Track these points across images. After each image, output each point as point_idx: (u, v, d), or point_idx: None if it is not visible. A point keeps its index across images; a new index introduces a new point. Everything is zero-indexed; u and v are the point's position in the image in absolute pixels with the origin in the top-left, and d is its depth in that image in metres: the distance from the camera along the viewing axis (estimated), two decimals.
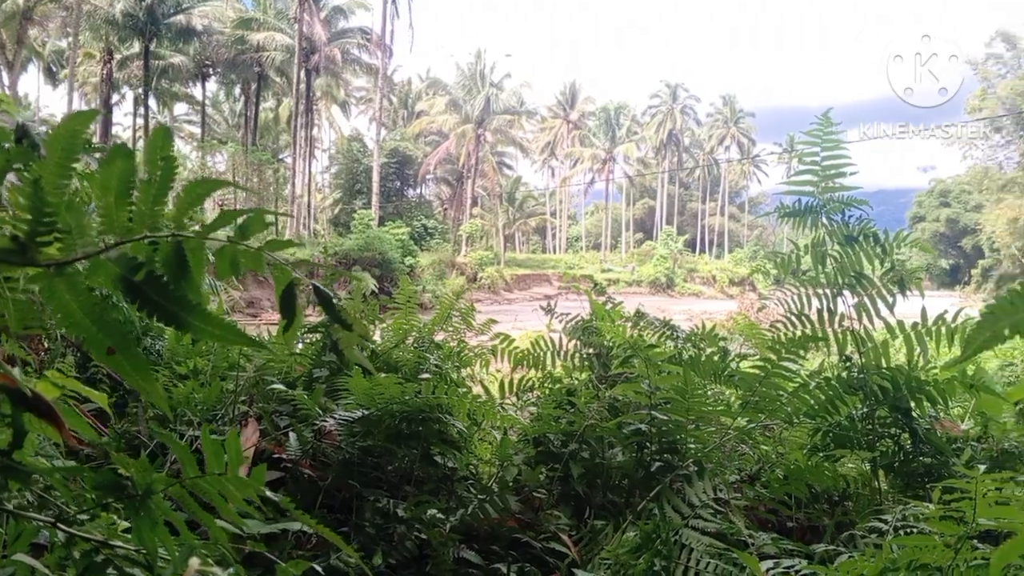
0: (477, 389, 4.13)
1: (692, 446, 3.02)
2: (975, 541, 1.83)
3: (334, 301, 0.91)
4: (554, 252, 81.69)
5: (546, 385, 3.85)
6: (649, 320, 5.08)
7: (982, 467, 1.76)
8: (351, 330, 0.93)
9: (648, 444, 3.04)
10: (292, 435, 3.03)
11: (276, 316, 1.00)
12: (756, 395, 3.03)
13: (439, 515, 2.76)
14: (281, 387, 3.03)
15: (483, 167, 61.62)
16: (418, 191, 61.97)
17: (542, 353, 4.05)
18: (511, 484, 3.10)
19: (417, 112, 63.36)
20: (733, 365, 4.58)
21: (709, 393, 4.53)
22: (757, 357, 5.08)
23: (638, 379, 3.03)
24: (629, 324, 5.09)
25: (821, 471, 2.85)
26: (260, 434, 2.98)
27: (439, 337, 4.23)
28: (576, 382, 3.51)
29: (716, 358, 4.56)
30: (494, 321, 4.32)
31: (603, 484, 3.08)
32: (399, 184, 55.45)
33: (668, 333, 4.96)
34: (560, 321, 4.50)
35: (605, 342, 3.72)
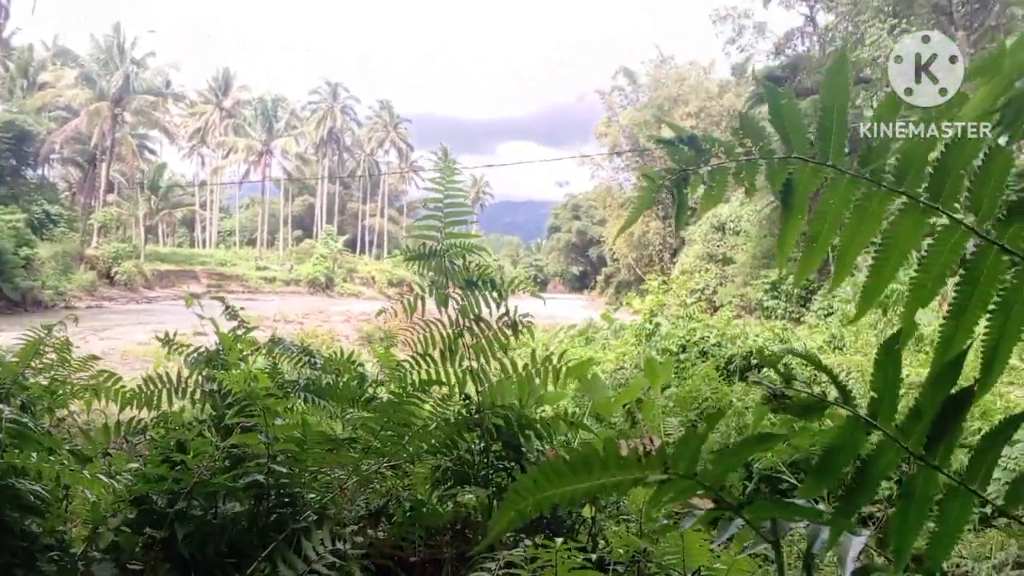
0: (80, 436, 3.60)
1: (312, 495, 2.91)
2: None
3: None
4: (204, 246, 76.70)
5: (158, 428, 3.47)
6: (285, 346, 4.88)
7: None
8: None
9: (266, 496, 2.87)
10: None
11: None
12: (378, 440, 3.01)
13: None
14: None
15: (121, 150, 55.78)
16: (40, 172, 54.13)
17: (155, 391, 3.66)
18: (105, 551, 2.73)
19: (40, 83, 55.26)
20: (370, 391, 4.59)
21: (347, 419, 4.47)
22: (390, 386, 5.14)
23: (256, 428, 2.85)
24: (264, 351, 4.85)
25: (437, 513, 2.92)
26: None
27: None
28: (190, 429, 3.20)
29: (354, 384, 4.53)
30: (95, 358, 3.81)
31: (215, 544, 2.84)
32: (15, 163, 47.73)
33: (306, 360, 4.82)
34: (181, 353, 4.12)
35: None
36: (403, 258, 3.11)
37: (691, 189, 1.12)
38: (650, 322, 14.11)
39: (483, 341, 3.13)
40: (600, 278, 68.42)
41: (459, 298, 3.14)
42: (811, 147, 1.03)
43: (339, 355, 4.85)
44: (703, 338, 12.43)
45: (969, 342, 0.98)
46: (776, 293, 26.77)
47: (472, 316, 3.12)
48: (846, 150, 1.03)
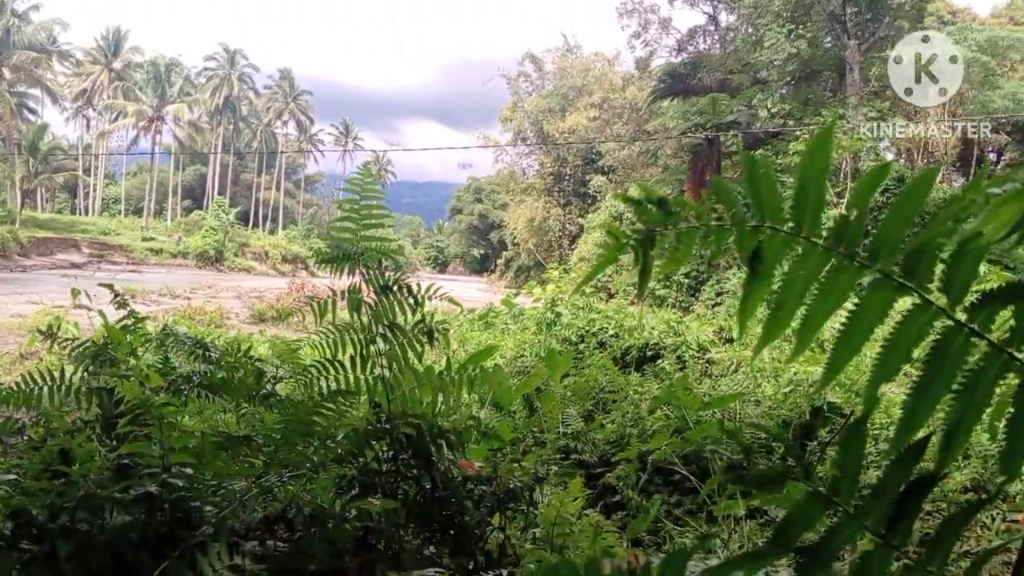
0: None
1: (209, 508, 2.74)
2: None
3: None
4: (87, 214, 72.53)
5: (37, 428, 3.21)
6: (178, 338, 4.64)
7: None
8: None
9: (160, 509, 2.69)
10: None
11: None
12: (281, 452, 2.88)
13: None
14: None
15: None
16: None
17: (35, 389, 3.38)
18: None
19: None
20: (268, 387, 4.40)
21: (242, 415, 4.28)
22: (291, 379, 4.95)
23: (149, 438, 2.66)
24: (155, 343, 4.59)
25: (343, 528, 2.81)
26: None
27: None
28: (75, 436, 2.97)
29: (250, 379, 4.34)
30: None
31: (101, 560, 2.65)
32: None
33: (200, 353, 4.58)
34: (64, 346, 3.84)
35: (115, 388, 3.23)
36: (315, 260, 2.97)
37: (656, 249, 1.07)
38: (551, 311, 14.23)
39: (396, 348, 3.03)
40: (500, 262, 68.52)
41: (373, 303, 3.02)
42: (786, 218, 1.00)
43: (235, 349, 4.63)
44: (602, 328, 12.62)
45: (932, 422, 0.98)
46: (668, 283, 27.53)
47: (386, 322, 3.02)
48: (822, 224, 1.00)
